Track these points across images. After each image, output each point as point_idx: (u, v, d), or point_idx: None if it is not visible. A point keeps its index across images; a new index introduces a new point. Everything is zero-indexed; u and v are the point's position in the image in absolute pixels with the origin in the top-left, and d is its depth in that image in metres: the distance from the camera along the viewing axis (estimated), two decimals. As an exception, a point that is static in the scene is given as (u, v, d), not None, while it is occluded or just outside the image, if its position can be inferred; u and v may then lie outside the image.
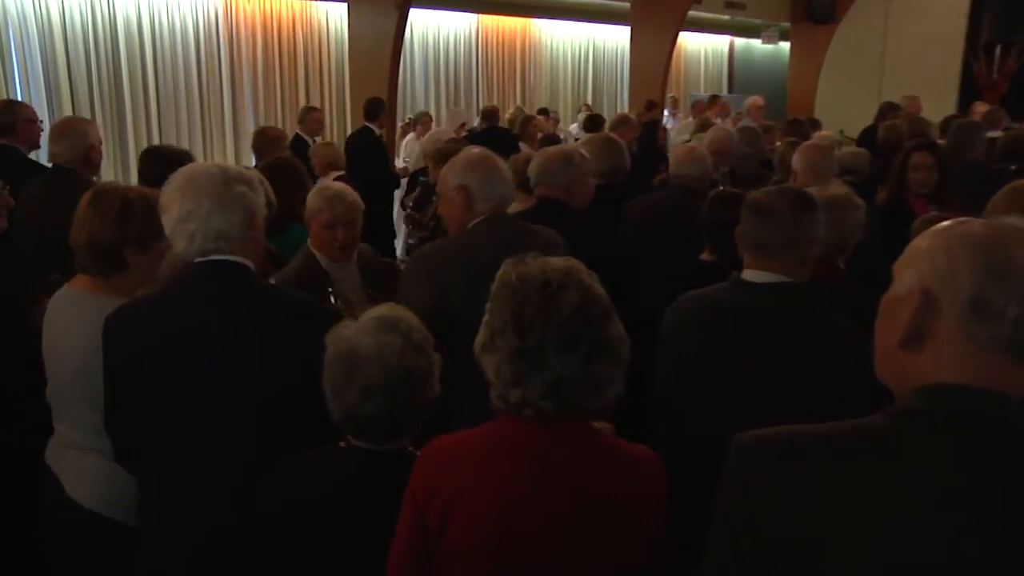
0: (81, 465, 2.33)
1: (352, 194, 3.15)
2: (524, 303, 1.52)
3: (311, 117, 7.48)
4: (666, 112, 11.96)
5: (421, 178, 5.93)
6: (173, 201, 2.07)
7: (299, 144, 6.68)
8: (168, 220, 2.08)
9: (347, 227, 3.06)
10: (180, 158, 3.54)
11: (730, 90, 17.13)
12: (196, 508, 2.08)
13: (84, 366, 2.24)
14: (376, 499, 1.72)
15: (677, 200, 4.10)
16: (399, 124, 9.96)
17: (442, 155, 5.29)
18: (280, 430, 2.02)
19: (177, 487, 2.10)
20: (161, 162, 3.53)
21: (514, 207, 4.11)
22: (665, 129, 8.54)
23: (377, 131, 7.66)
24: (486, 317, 1.56)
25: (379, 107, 7.77)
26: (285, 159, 4.40)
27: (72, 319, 2.32)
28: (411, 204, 5.84)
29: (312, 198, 3.09)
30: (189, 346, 2.03)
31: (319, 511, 1.73)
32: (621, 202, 4.27)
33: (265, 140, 5.64)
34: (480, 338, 1.55)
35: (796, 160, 4.22)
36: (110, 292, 2.30)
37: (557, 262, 1.58)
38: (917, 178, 4.38)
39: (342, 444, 1.79)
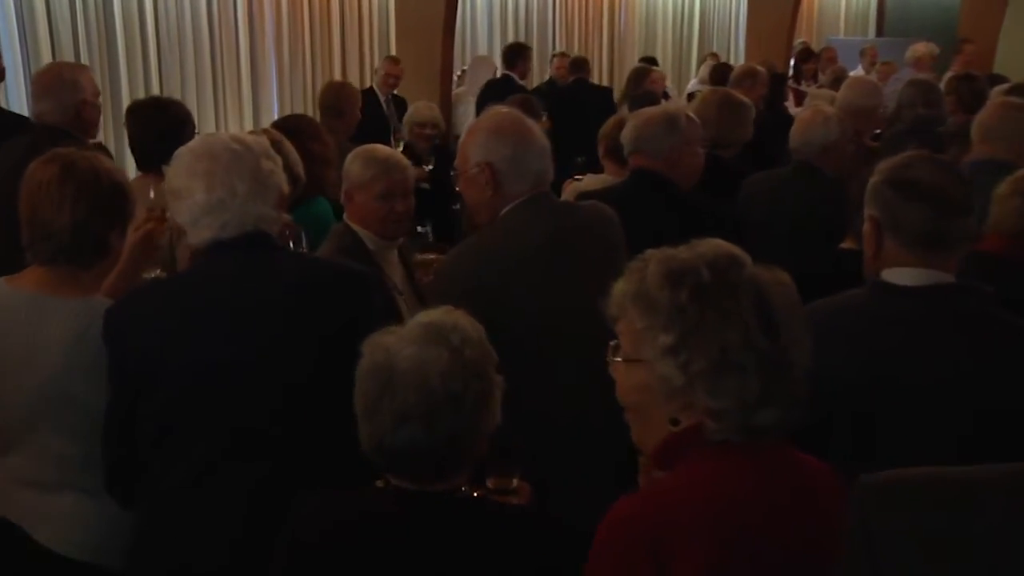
0: (55, 508, 2.36)
1: (405, 160, 3.32)
2: (758, 295, 1.52)
3: (385, 68, 7.75)
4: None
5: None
6: (195, 188, 2.15)
7: (369, 100, 6.84)
8: (189, 207, 2.17)
9: (405, 197, 3.20)
10: (177, 113, 3.62)
11: (879, 34, 16.80)
12: (212, 522, 2.17)
13: (61, 386, 2.29)
14: (417, 552, 1.72)
15: (793, 179, 4.07)
16: (454, 77, 10.01)
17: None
18: (314, 426, 2.15)
19: (191, 496, 2.19)
20: (147, 117, 3.60)
21: (604, 179, 4.15)
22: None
23: (519, 81, 7.97)
24: (686, 338, 1.50)
25: (519, 52, 8.24)
26: (302, 116, 4.51)
27: (33, 328, 2.33)
28: None
29: (358, 166, 3.20)
30: (220, 327, 2.15)
31: (345, 566, 1.74)
32: (740, 178, 4.25)
33: (340, 96, 5.60)
34: (697, 366, 1.49)
35: (979, 123, 4.07)
36: (74, 290, 2.34)
37: (720, 244, 1.59)
38: None
39: (380, 483, 1.81)
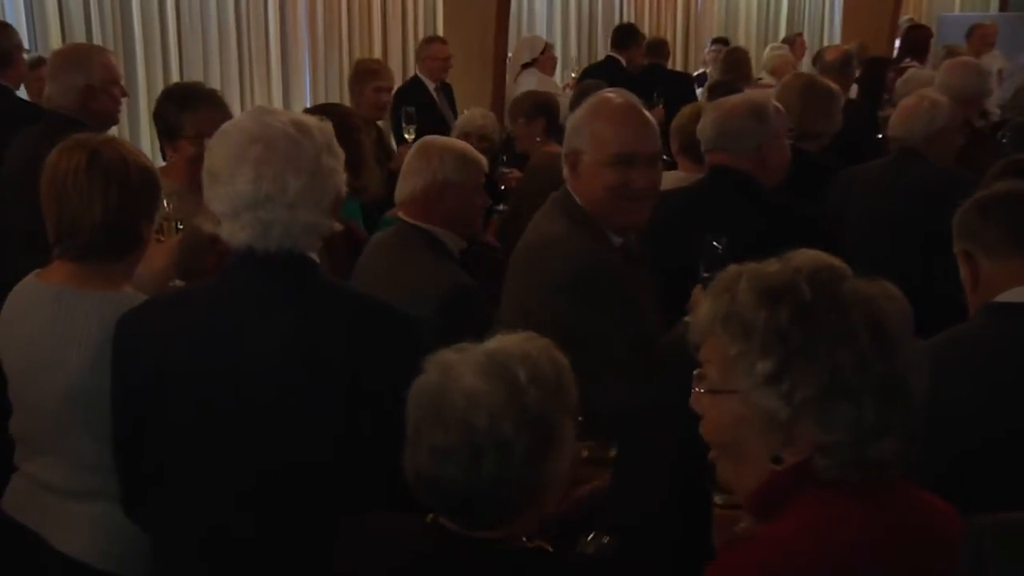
0: (81, 514, 2.46)
1: None
2: (868, 310, 1.51)
3: (431, 52, 7.36)
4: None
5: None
6: (240, 175, 2.06)
7: (417, 89, 6.87)
8: (228, 197, 2.08)
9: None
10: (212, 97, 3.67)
11: (1002, 7, 16.57)
12: (226, 562, 2.21)
13: (91, 387, 2.36)
14: None
15: (895, 172, 4.06)
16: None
17: (522, 105, 5.44)
18: (339, 468, 2.14)
19: (204, 532, 2.23)
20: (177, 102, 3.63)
21: (679, 177, 4.13)
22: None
23: (626, 65, 8.12)
24: (789, 363, 1.49)
25: (628, 34, 8.40)
26: (336, 106, 4.55)
27: (63, 326, 2.42)
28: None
29: (451, 163, 3.24)
30: (232, 353, 2.14)
31: None
32: (826, 175, 4.25)
33: (362, 73, 5.79)
34: (803, 395, 1.48)
35: None
36: (104, 282, 2.43)
37: (817, 255, 1.58)
38: None
39: (429, 517, 1.82)
